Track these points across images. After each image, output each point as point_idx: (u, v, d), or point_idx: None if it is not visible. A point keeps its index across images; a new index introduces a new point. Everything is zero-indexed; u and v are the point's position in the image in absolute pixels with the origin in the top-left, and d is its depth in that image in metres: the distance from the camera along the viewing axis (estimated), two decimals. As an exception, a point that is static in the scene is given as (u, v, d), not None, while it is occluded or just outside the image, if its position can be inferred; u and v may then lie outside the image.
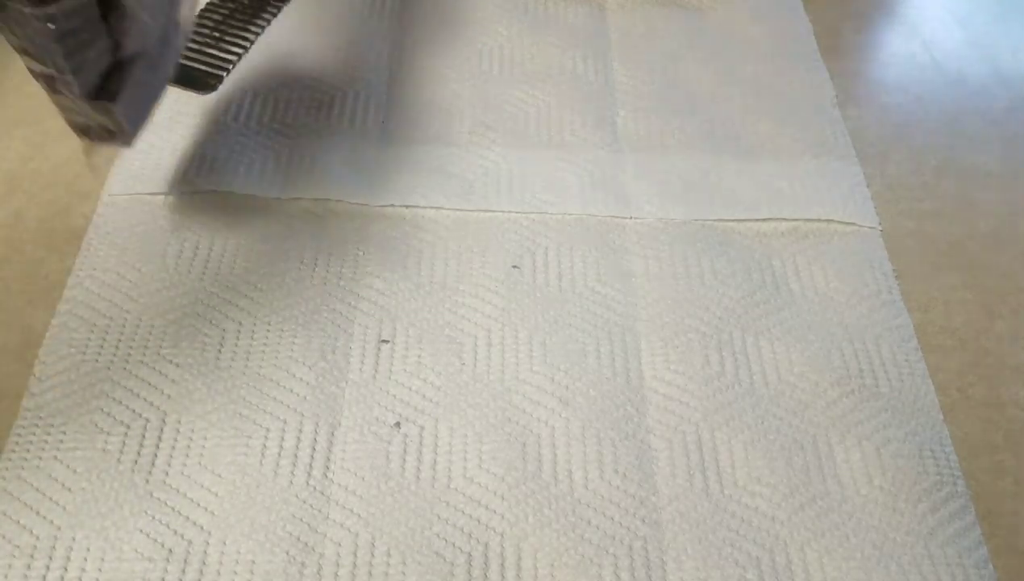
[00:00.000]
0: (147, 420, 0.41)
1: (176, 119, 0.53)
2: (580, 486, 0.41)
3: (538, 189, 0.52)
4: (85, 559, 0.37)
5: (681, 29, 0.64)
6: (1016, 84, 0.62)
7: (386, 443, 0.41)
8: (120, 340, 0.44)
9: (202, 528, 0.38)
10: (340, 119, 0.55)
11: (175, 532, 0.38)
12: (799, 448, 0.43)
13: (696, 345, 0.46)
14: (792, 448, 0.43)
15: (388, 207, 0.51)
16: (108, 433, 0.41)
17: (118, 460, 0.40)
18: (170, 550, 0.37)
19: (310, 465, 0.40)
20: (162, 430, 0.41)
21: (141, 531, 0.38)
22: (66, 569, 0.37)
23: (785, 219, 0.52)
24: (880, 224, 0.53)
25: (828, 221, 0.52)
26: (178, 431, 0.41)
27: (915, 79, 0.62)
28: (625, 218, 0.52)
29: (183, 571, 0.37)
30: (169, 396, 0.42)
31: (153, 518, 0.38)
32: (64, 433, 0.40)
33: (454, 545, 0.38)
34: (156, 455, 0.40)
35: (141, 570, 0.37)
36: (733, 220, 0.52)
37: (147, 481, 0.39)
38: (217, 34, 0.59)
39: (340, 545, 0.38)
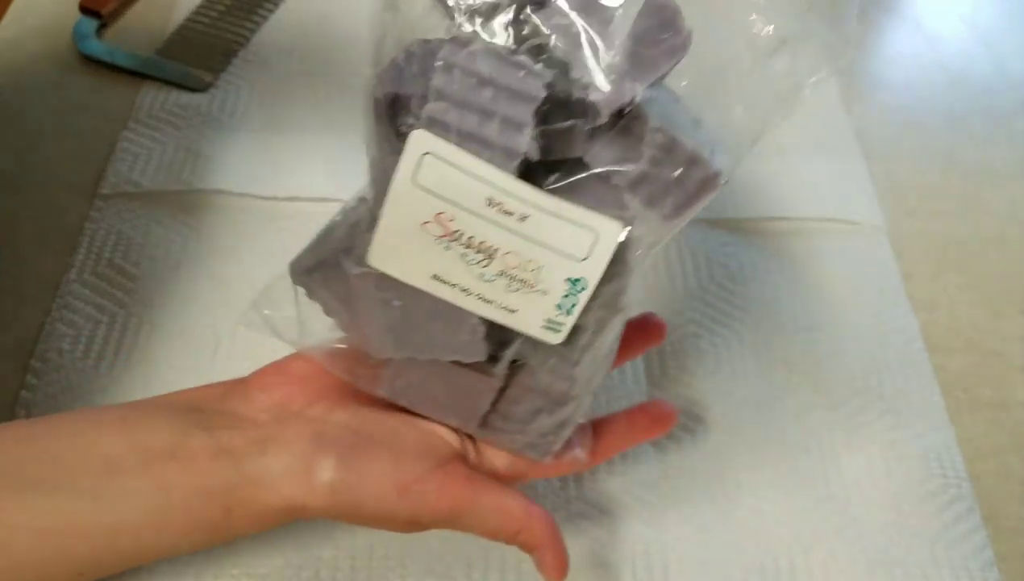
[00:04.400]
0: (143, 421, 0.41)
1: (172, 119, 0.53)
2: (581, 488, 0.40)
3: (539, 188, 0.52)
4: (80, 562, 0.37)
5: (683, 26, 0.63)
6: (1022, 82, 0.62)
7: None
8: (115, 340, 0.43)
9: (198, 531, 0.38)
10: (339, 118, 0.55)
11: (171, 535, 0.38)
12: (803, 450, 0.42)
13: (700, 345, 0.46)
14: (796, 450, 0.42)
15: (387, 206, 0.50)
16: (103, 434, 0.40)
17: (113, 462, 0.39)
18: (166, 553, 0.37)
19: (308, 467, 0.40)
20: (158, 431, 0.40)
21: (137, 534, 0.37)
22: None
23: (789, 218, 0.52)
24: (885, 223, 0.52)
25: (832, 220, 0.52)
26: (174, 432, 0.40)
27: (920, 78, 0.62)
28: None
29: (180, 574, 0.36)
30: (165, 397, 0.42)
31: (149, 521, 0.38)
32: (59, 434, 0.40)
33: (453, 548, 0.38)
34: (152, 457, 0.40)
35: (138, 573, 0.36)
36: (737, 219, 0.51)
37: (143, 483, 0.39)
38: (213, 31, 0.58)
39: (338, 547, 0.38)
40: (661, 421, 0.36)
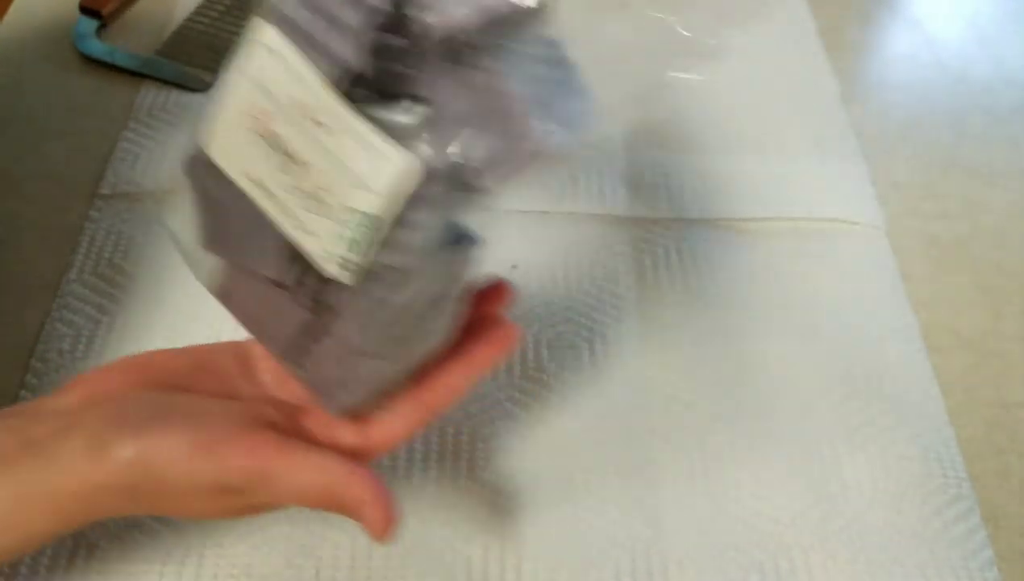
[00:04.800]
0: (143, 421, 0.41)
1: (172, 119, 0.53)
2: (581, 488, 0.40)
3: (540, 187, 0.52)
4: (85, 561, 0.37)
5: (683, 26, 0.63)
6: (1022, 83, 0.62)
7: (385, 444, 0.41)
8: (115, 340, 0.43)
9: (200, 530, 0.38)
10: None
11: (173, 533, 0.38)
12: (803, 450, 0.42)
13: (698, 345, 0.46)
14: (796, 450, 0.42)
15: (387, 206, 0.51)
16: (103, 434, 0.40)
17: (113, 461, 0.39)
18: (168, 553, 0.37)
19: (308, 467, 0.40)
20: (158, 431, 0.41)
21: (140, 533, 0.37)
22: (67, 571, 0.36)
23: (789, 218, 0.52)
24: (885, 223, 0.52)
25: (832, 220, 0.52)
26: (174, 432, 0.41)
27: (920, 77, 0.62)
28: (627, 218, 0.51)
29: (180, 574, 0.37)
30: (165, 397, 0.42)
31: (151, 520, 0.38)
32: (59, 434, 0.40)
33: (453, 548, 0.38)
34: (152, 456, 0.40)
35: (139, 572, 0.36)
36: (737, 219, 0.52)
37: (143, 483, 0.39)
38: (212, 31, 0.58)
39: (338, 548, 0.38)
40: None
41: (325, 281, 0.28)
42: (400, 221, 0.26)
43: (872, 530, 0.40)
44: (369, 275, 0.27)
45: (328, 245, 0.27)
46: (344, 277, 0.27)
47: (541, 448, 0.41)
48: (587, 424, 0.42)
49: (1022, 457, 0.43)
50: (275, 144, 0.26)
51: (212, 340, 0.43)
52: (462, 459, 0.41)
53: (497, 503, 0.40)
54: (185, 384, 0.32)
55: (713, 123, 0.57)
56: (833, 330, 0.47)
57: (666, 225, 0.51)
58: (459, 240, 0.29)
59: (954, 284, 0.50)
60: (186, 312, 0.45)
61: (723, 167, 0.54)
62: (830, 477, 0.41)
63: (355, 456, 0.31)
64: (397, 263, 0.27)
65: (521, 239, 0.49)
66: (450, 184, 0.26)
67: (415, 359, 0.30)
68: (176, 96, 0.54)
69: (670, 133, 0.56)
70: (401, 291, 0.28)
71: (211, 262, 0.31)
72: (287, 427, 0.31)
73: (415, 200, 0.26)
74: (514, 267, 0.48)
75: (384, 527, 0.29)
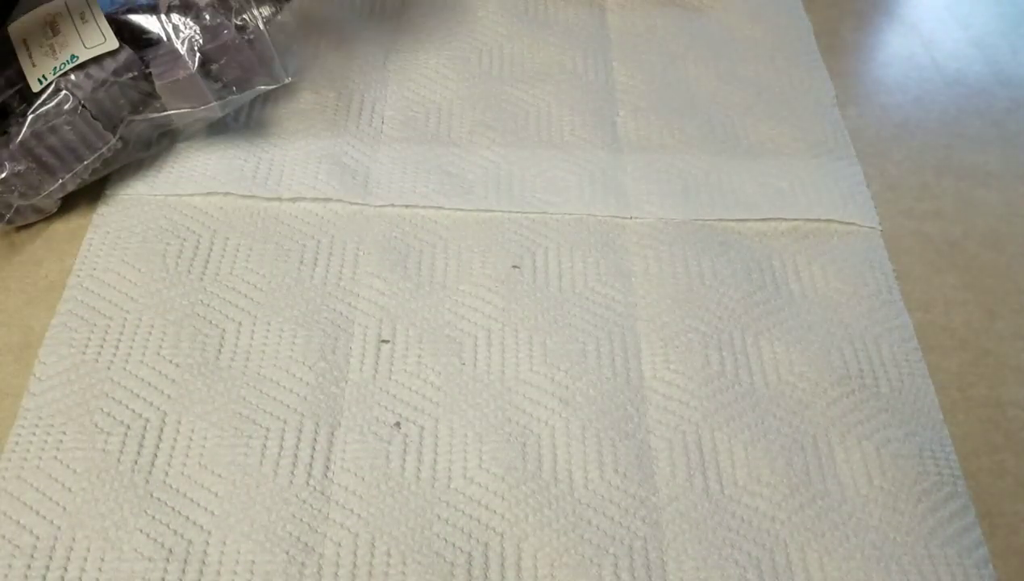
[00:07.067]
0: (147, 420, 0.41)
1: (176, 119, 0.53)
2: (580, 486, 0.41)
3: (538, 189, 0.52)
4: (85, 559, 0.37)
5: (681, 29, 0.64)
6: (1016, 84, 0.62)
7: (386, 443, 0.41)
8: (120, 340, 0.44)
9: (202, 528, 0.38)
10: (340, 120, 0.55)
11: (175, 532, 0.38)
12: (799, 448, 0.43)
13: (696, 345, 0.46)
14: (792, 448, 0.43)
15: (388, 207, 0.51)
16: (108, 433, 0.41)
17: (118, 460, 0.40)
18: (170, 550, 0.37)
19: (310, 465, 0.40)
20: (162, 430, 0.41)
21: (141, 531, 0.38)
22: (66, 569, 0.37)
23: (785, 219, 0.52)
24: (880, 224, 0.53)
25: (828, 221, 0.52)
26: (178, 431, 0.41)
27: (915, 79, 0.62)
28: (625, 218, 0.52)
29: (183, 571, 0.37)
30: (169, 396, 0.42)
31: (153, 518, 0.38)
32: (64, 433, 0.40)
33: (454, 545, 0.38)
34: (156, 455, 0.40)
35: (141, 570, 0.37)
36: (733, 220, 0.52)
37: (147, 481, 0.39)
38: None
39: (340, 545, 0.38)
40: None
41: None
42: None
43: (867, 528, 0.40)
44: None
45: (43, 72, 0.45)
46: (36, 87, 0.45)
47: (540, 446, 0.42)
48: (587, 422, 0.43)
49: (1017, 455, 0.44)
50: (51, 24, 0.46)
51: (216, 337, 0.44)
52: (462, 458, 0.41)
53: (496, 501, 0.40)
54: None
55: (711, 125, 0.57)
56: (828, 330, 0.47)
57: (663, 225, 0.51)
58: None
59: (948, 284, 0.50)
60: (190, 312, 0.45)
61: (721, 168, 0.55)
62: (826, 475, 0.42)
63: None
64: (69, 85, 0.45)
65: (521, 240, 0.50)
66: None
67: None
68: (178, 99, 0.54)
69: (669, 135, 0.56)
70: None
71: None
72: None
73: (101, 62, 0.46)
74: (515, 267, 0.49)
75: None
